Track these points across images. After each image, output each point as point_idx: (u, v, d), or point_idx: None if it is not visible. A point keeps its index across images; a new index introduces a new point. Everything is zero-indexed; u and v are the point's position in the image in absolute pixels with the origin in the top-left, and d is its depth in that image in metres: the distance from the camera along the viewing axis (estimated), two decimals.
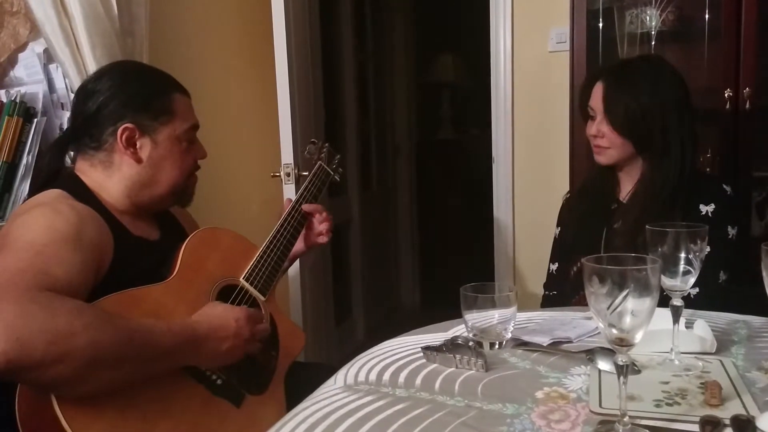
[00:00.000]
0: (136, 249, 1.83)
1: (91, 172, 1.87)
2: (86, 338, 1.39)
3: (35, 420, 1.50)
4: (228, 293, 1.90)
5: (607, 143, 2.26)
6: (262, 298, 1.97)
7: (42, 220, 1.61)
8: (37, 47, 2.55)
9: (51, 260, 1.52)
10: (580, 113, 2.44)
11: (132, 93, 1.87)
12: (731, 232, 2.19)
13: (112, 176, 1.86)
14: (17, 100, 2.41)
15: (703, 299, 2.03)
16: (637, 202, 2.24)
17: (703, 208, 2.19)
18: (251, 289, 1.96)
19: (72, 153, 1.98)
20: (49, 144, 2.25)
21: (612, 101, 2.24)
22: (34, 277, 1.46)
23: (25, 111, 2.42)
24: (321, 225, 2.28)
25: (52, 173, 1.93)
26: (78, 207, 1.70)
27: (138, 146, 1.86)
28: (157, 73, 2.00)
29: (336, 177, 2.43)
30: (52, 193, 1.77)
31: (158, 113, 1.87)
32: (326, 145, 2.43)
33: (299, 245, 2.28)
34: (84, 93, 1.89)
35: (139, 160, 1.86)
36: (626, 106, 2.21)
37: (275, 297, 2.07)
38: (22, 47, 2.56)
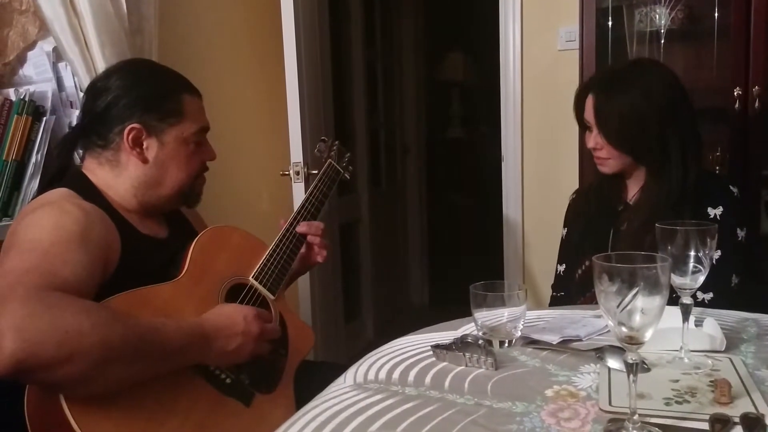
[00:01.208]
0: (144, 247, 1.83)
1: (98, 170, 1.87)
2: (95, 337, 1.39)
3: (43, 420, 1.50)
4: (237, 292, 1.90)
5: (607, 154, 2.23)
6: (271, 296, 1.97)
7: (48, 219, 1.62)
8: (46, 46, 2.55)
9: (58, 260, 1.53)
10: (578, 125, 2.42)
11: (141, 93, 1.87)
12: (740, 234, 2.16)
13: (120, 175, 1.86)
14: (26, 99, 2.41)
15: (717, 304, 2.02)
16: (642, 207, 2.22)
17: (711, 212, 2.16)
18: (260, 287, 1.96)
19: (81, 151, 1.98)
20: (57, 142, 2.25)
21: (604, 115, 2.20)
22: (41, 277, 1.46)
23: (34, 110, 2.42)
24: (318, 241, 2.20)
25: (60, 171, 1.94)
26: (84, 205, 1.71)
27: (144, 146, 1.86)
28: (168, 74, 1.99)
29: (346, 175, 2.42)
30: (59, 192, 1.78)
31: (166, 114, 1.87)
32: (336, 143, 2.42)
33: (297, 265, 2.21)
34: (93, 91, 1.89)
35: (145, 161, 1.86)
36: (619, 118, 2.17)
37: (285, 296, 2.07)
38: (31, 46, 2.56)
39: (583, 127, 2.34)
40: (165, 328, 1.56)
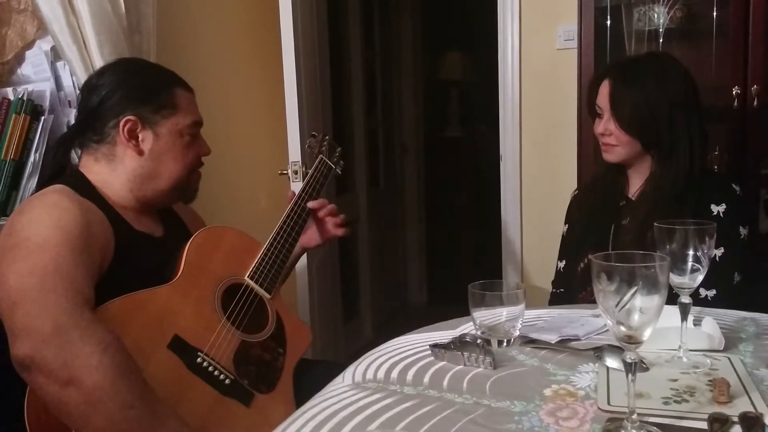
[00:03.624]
0: (138, 244, 1.84)
1: (95, 167, 1.88)
2: (97, 376, 1.44)
3: (43, 418, 1.51)
4: (233, 292, 1.91)
5: (615, 141, 2.25)
6: (267, 296, 1.97)
7: (49, 218, 1.63)
8: (44, 45, 2.55)
9: (70, 262, 1.56)
10: (588, 111, 2.43)
11: (134, 86, 1.89)
12: (743, 232, 2.17)
13: (115, 170, 1.87)
14: (24, 98, 2.41)
15: (719, 301, 2.03)
16: (645, 200, 2.23)
17: (714, 208, 2.17)
18: (256, 287, 1.96)
19: (78, 151, 1.99)
20: (54, 142, 2.26)
21: (619, 99, 2.22)
22: (62, 281, 1.51)
23: (32, 109, 2.42)
24: (331, 219, 2.27)
25: (57, 169, 1.95)
26: (80, 201, 1.72)
27: (140, 138, 1.87)
28: (160, 69, 2.03)
29: (338, 170, 2.41)
30: (55, 189, 1.78)
31: (160, 106, 1.89)
32: (327, 137, 2.41)
33: (313, 238, 2.28)
34: (87, 88, 1.92)
35: (140, 153, 1.87)
36: (633, 104, 2.19)
37: (281, 294, 2.07)
38: (30, 45, 2.56)
39: (593, 115, 2.34)
40: (165, 411, 1.55)
